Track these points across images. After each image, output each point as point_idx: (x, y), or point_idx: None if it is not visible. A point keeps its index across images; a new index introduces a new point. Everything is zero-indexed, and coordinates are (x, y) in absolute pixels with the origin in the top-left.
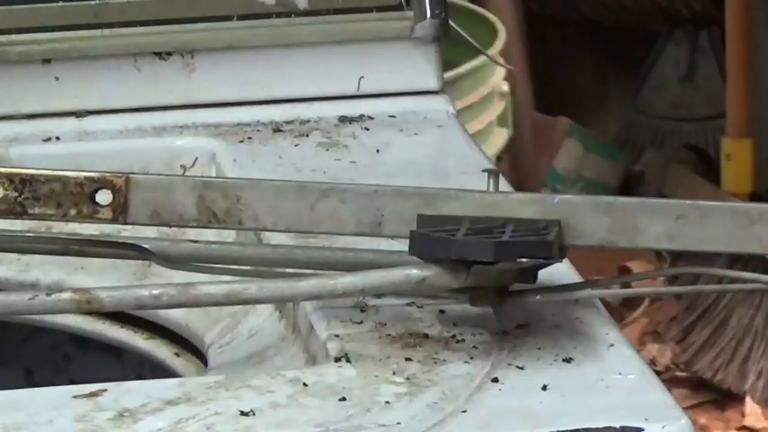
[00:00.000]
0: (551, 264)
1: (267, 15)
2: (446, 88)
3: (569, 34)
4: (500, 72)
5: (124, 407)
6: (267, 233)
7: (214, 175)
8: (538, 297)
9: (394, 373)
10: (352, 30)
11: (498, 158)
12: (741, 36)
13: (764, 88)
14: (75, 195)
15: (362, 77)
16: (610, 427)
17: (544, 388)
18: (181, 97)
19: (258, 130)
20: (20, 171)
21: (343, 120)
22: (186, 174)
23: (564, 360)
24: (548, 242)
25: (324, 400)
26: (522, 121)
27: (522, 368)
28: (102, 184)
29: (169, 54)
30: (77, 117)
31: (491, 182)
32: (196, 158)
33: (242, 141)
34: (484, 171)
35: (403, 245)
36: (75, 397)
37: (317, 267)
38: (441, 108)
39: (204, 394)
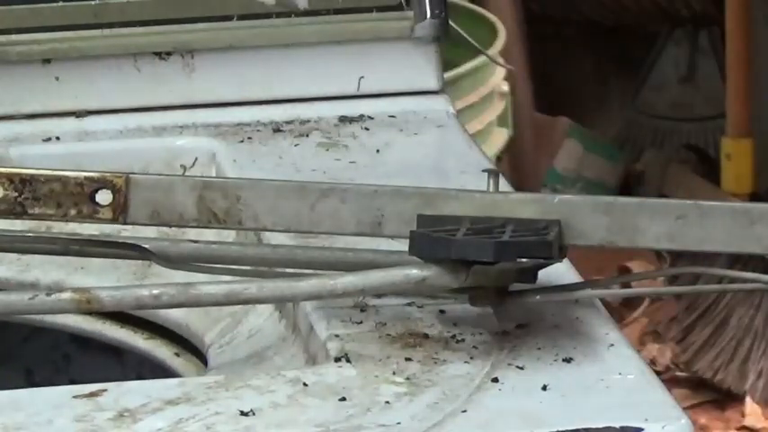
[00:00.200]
0: (551, 264)
1: (267, 15)
2: (446, 88)
3: (569, 34)
4: (500, 72)
5: (124, 407)
6: (267, 233)
7: (214, 175)
8: (538, 297)
9: (394, 373)
10: (352, 30)
11: (498, 158)
12: (741, 36)
13: (764, 88)
14: (75, 195)
15: (362, 77)
16: (610, 428)
17: (544, 388)
18: (181, 97)
19: (258, 130)
20: (20, 171)
21: (343, 120)
22: (186, 174)
23: (564, 360)
24: (548, 242)
25: (324, 400)
26: (522, 121)
27: (522, 368)
28: (102, 184)
29: (169, 54)
30: (77, 117)
31: (491, 182)
32: (196, 158)
33: (242, 141)
34: (484, 171)
35: (403, 245)
36: (75, 397)
37: (317, 267)
38: (441, 108)
39: (204, 394)
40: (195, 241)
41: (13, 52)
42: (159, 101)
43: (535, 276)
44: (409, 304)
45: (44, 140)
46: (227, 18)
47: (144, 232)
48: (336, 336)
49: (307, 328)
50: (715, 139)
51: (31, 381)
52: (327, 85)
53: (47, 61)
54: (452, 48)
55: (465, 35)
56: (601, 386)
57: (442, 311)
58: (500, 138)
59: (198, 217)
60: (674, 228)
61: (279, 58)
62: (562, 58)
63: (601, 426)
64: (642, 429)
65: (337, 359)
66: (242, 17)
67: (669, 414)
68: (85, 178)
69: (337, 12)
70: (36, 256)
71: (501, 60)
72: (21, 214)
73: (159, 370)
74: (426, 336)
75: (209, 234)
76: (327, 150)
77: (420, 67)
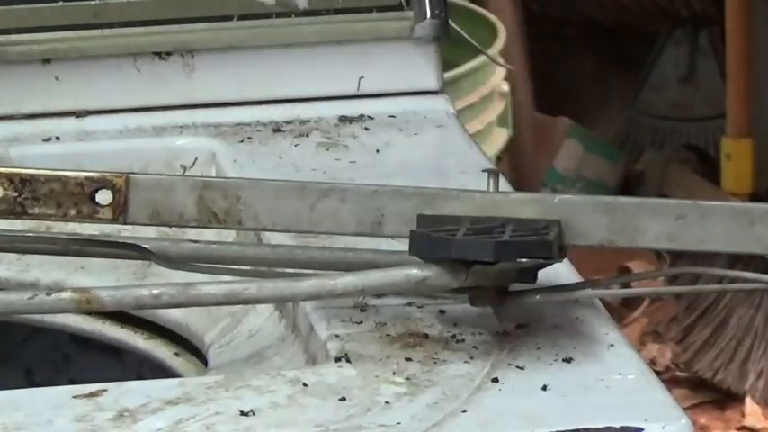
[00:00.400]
0: (551, 264)
1: (267, 15)
2: (446, 88)
3: (569, 34)
4: (500, 72)
5: (124, 407)
6: (267, 233)
7: (214, 175)
8: (538, 297)
9: (394, 373)
10: (352, 30)
11: (498, 158)
12: (741, 36)
13: (764, 88)
14: (75, 195)
15: (362, 77)
16: (610, 427)
17: (544, 388)
18: (181, 97)
19: (258, 130)
20: (20, 171)
21: (343, 120)
22: (186, 174)
23: (564, 360)
24: (548, 242)
25: (324, 400)
26: (522, 121)
27: (522, 368)
28: (102, 184)
29: (169, 54)
30: (77, 117)
31: (491, 182)
32: (196, 158)
33: (242, 141)
34: (484, 171)
35: (403, 245)
36: (75, 397)
37: (317, 267)
38: (441, 108)
39: (204, 394)
40: (195, 241)
41: (13, 52)
42: (159, 101)
43: (535, 276)
44: (409, 304)
45: (44, 140)
46: (227, 18)
47: (144, 232)
48: (336, 336)
49: (307, 328)
50: (715, 139)
51: (31, 381)
52: (327, 85)
53: (47, 61)
54: (452, 48)
55: (465, 35)
56: (601, 386)
57: (441, 311)
58: (500, 138)
59: (198, 217)
60: (674, 228)
61: (279, 58)
62: (562, 58)
63: (601, 426)
64: (642, 429)
65: (337, 359)
66: (242, 17)
67: (669, 414)
68: (85, 178)
69: (337, 12)
70: (36, 256)
71: (501, 60)
72: (21, 214)
73: (159, 370)
74: (426, 336)
75: (209, 234)
76: (327, 150)
77: (420, 67)
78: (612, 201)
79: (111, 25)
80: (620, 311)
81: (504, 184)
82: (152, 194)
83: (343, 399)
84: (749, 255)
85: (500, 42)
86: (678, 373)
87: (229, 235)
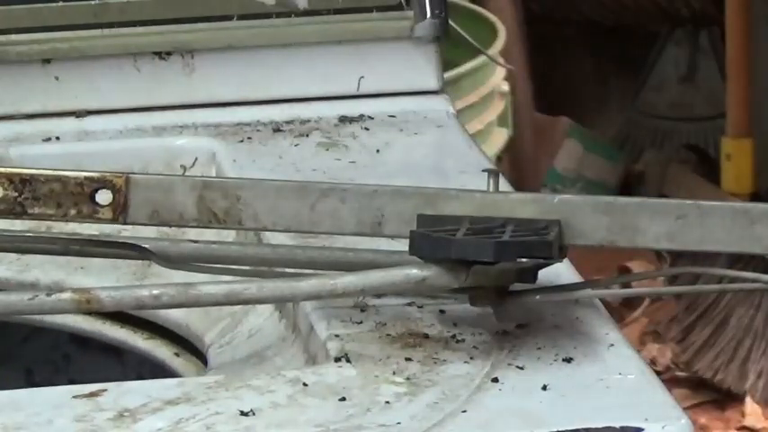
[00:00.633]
0: (551, 264)
1: (267, 15)
2: (446, 88)
3: (569, 34)
4: (500, 72)
5: (124, 407)
6: (267, 233)
7: (214, 175)
8: (538, 297)
9: (394, 373)
10: (352, 30)
11: (498, 158)
12: (741, 36)
13: (764, 88)
14: (75, 195)
15: (362, 77)
16: (610, 427)
17: (544, 388)
18: (181, 97)
19: (258, 130)
20: (20, 171)
21: (343, 120)
22: (186, 174)
23: (564, 360)
24: (548, 242)
25: (324, 400)
26: (522, 121)
27: (522, 368)
28: (102, 184)
29: (169, 54)
30: (77, 117)
31: (491, 182)
32: (196, 158)
33: (242, 141)
34: (484, 171)
35: (403, 245)
36: (75, 397)
37: (317, 267)
38: (441, 108)
39: (204, 394)
40: (195, 241)
41: (13, 52)
42: (159, 101)
43: (535, 276)
44: (409, 304)
45: (44, 140)
46: (227, 18)
47: (144, 232)
48: (336, 336)
49: (307, 328)
50: (715, 139)
51: (31, 381)
52: (327, 85)
53: (47, 61)
54: (452, 48)
55: (465, 35)
56: (601, 386)
57: (442, 311)
58: (500, 138)
59: (198, 217)
60: (674, 228)
61: (279, 58)
62: (562, 58)
63: (601, 426)
64: (642, 429)
65: (337, 359)
66: (242, 17)
67: (669, 414)
68: (85, 178)
69: (337, 12)
70: (36, 256)
71: (501, 60)
72: (21, 214)
73: (159, 370)
74: (426, 336)
75: (209, 234)
76: (327, 150)
77: (420, 67)
78: (612, 201)
79: (111, 25)
80: (620, 311)
81: (504, 184)
82: (152, 194)
83: (343, 399)
84: (749, 255)
85: (500, 42)
86: (678, 373)
87: (229, 235)
